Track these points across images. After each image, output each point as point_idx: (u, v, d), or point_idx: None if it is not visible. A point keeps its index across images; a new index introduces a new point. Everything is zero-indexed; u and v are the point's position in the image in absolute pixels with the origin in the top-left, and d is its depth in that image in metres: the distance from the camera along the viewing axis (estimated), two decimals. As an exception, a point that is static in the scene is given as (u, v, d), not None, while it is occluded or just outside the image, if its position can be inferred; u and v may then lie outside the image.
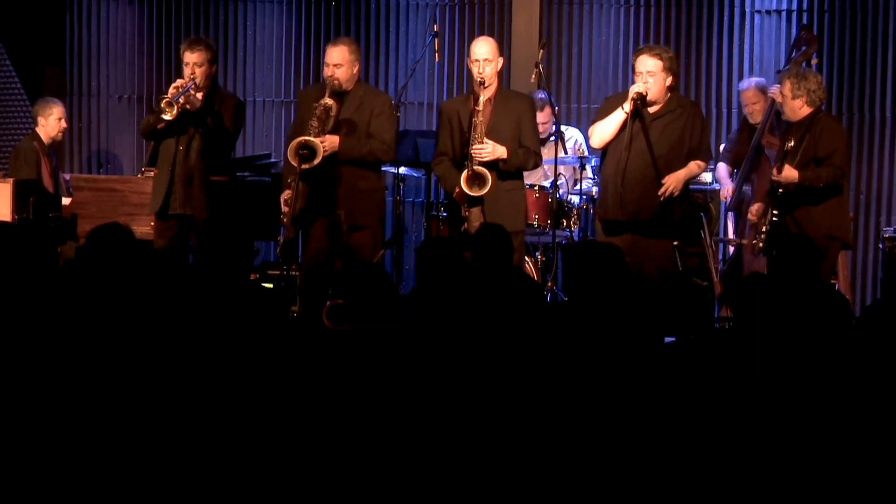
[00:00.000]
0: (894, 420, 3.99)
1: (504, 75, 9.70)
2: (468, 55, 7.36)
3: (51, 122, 8.83)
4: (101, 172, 10.11)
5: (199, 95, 7.48)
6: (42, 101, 9.03)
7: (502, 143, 7.21)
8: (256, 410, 4.11)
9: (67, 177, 9.09)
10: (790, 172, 7.09)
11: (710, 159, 7.55)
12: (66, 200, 8.58)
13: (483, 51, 7.26)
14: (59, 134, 8.93)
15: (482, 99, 7.18)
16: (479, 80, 7.22)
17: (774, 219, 7.12)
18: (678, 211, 7.23)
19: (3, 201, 7.99)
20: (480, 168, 7.13)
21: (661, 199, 7.10)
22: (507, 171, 7.26)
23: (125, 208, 8.18)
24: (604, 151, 7.32)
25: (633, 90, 7.12)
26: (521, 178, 7.49)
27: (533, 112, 7.49)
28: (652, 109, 7.18)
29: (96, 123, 10.28)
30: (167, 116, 7.36)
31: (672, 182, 7.11)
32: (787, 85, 7.19)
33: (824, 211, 7.13)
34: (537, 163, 7.46)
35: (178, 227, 7.59)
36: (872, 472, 3.89)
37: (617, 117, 7.16)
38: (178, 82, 7.48)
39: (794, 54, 7.90)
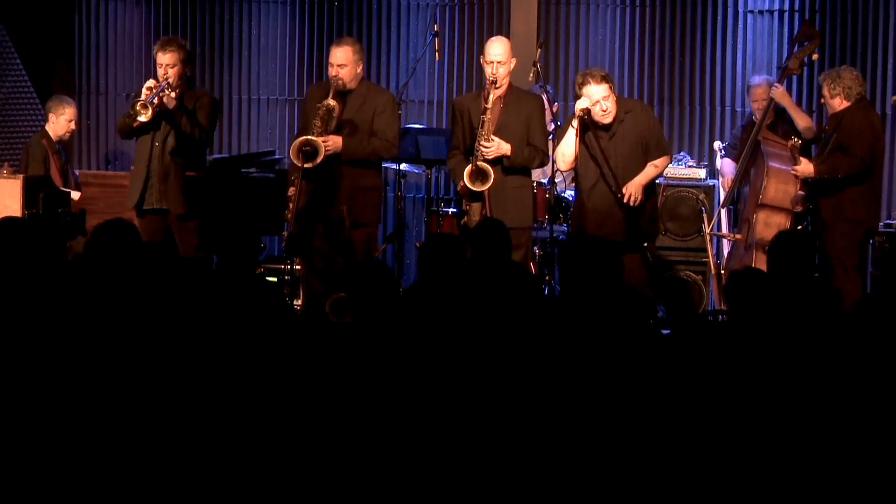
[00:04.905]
0: (887, 413, 4.04)
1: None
2: (482, 54, 7.43)
3: (60, 122, 8.88)
4: (108, 169, 10.18)
5: (174, 94, 7.53)
6: (57, 98, 9.07)
7: (510, 141, 7.28)
8: (262, 403, 4.19)
9: (77, 173, 9.14)
10: (806, 167, 7.21)
11: (670, 153, 7.59)
12: (75, 195, 8.65)
13: (497, 52, 7.34)
14: (67, 134, 8.96)
15: (492, 97, 7.24)
16: (491, 79, 7.29)
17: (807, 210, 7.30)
18: (644, 218, 7.32)
19: (13, 197, 8.00)
20: (484, 164, 7.20)
21: (632, 205, 7.16)
22: (513, 168, 7.32)
23: (133, 204, 8.27)
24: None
25: (578, 107, 7.22)
26: (529, 175, 7.54)
27: (542, 112, 7.55)
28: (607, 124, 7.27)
29: (104, 121, 10.36)
30: (143, 118, 7.44)
31: (631, 190, 7.17)
32: (825, 88, 7.32)
33: (853, 196, 7.28)
34: (543, 161, 7.51)
35: (158, 223, 7.69)
36: (867, 466, 3.93)
37: (570, 136, 7.26)
38: (151, 83, 7.53)
39: (795, 49, 7.94)
